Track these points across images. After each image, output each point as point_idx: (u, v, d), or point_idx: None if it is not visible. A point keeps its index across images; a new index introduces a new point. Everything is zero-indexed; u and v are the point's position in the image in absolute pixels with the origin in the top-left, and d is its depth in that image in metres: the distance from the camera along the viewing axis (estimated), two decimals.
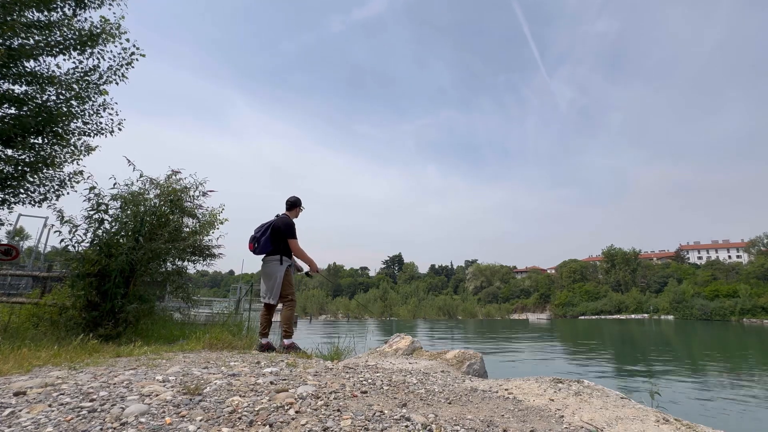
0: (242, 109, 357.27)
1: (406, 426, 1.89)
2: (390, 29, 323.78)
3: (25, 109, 6.79)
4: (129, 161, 6.46)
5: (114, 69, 7.58)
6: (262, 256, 4.71)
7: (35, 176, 7.36)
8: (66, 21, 7.08)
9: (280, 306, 4.79)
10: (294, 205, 4.96)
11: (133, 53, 7.66)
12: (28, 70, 6.86)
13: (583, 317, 74.97)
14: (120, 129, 8.07)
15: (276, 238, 4.63)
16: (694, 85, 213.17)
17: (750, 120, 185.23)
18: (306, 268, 5.01)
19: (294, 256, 4.85)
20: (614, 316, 72.03)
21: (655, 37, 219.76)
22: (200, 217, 7.65)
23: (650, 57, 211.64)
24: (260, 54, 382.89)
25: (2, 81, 6.67)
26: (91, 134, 7.81)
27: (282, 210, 4.95)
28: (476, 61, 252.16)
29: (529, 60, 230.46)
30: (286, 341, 4.55)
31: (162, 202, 6.60)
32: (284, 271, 4.61)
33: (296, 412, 2.00)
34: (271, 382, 2.56)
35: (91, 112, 7.62)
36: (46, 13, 6.83)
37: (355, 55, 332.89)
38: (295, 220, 4.92)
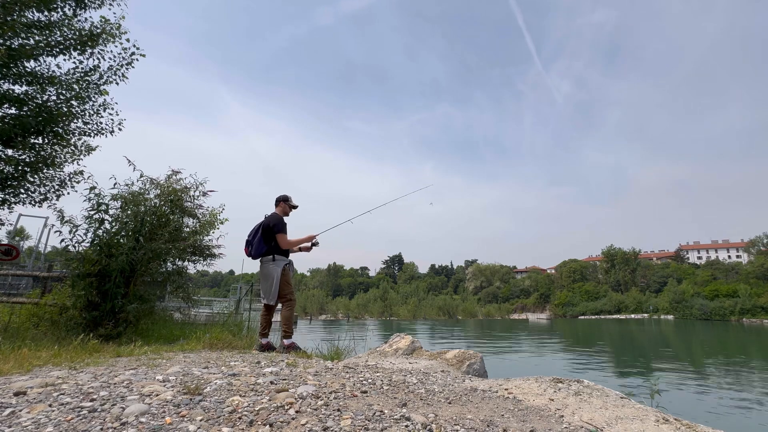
0: (233, 105, 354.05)
1: (406, 426, 1.90)
2: (380, 21, 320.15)
3: (26, 109, 6.79)
4: (129, 161, 6.47)
5: (114, 69, 7.59)
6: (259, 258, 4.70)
7: (35, 176, 7.37)
8: (66, 21, 7.09)
9: (279, 306, 4.79)
10: (279, 201, 4.95)
11: (133, 53, 7.67)
12: (29, 70, 6.86)
13: (582, 317, 74.94)
14: (120, 129, 8.08)
15: (268, 237, 4.61)
16: (694, 80, 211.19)
17: (751, 117, 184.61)
18: (308, 244, 5.00)
19: (297, 248, 4.86)
20: (614, 316, 72.01)
21: (653, 28, 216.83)
22: (200, 217, 7.67)
23: (648, 50, 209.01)
24: (250, 49, 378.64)
25: (2, 81, 6.67)
26: (92, 134, 7.82)
27: (272, 210, 4.94)
28: (470, 55, 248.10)
29: (525, 53, 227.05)
30: (286, 341, 4.55)
31: (162, 202, 6.61)
32: (281, 270, 4.59)
33: (296, 411, 2.00)
34: (272, 382, 2.57)
35: (92, 112, 7.63)
36: (46, 13, 6.83)
37: (346, 48, 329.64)
38: (286, 218, 4.89)
